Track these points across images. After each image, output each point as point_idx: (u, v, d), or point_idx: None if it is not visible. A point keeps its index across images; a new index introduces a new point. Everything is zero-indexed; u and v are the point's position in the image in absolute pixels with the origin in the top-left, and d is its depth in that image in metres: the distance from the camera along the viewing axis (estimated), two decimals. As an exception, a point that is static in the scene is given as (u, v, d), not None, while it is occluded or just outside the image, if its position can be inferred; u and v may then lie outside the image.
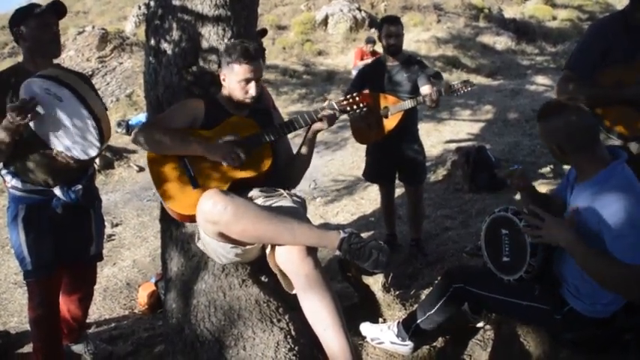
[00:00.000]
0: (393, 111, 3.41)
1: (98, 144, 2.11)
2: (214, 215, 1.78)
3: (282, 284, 1.92)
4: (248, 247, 1.92)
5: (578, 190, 1.87)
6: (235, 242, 1.90)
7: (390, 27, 3.47)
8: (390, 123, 3.44)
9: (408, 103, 3.37)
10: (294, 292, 1.87)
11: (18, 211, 2.38)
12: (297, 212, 1.97)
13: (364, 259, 1.78)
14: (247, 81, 2.11)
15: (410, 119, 3.54)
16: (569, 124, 1.77)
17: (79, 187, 2.43)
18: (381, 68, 3.55)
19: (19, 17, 2.27)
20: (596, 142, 1.81)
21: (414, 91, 3.48)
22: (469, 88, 3.42)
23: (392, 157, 3.62)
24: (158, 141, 2.06)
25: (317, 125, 2.22)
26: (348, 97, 2.32)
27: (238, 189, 2.01)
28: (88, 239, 2.62)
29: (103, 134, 2.09)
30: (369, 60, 9.91)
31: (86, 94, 2.03)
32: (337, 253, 1.82)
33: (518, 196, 4.34)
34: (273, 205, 1.99)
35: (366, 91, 3.52)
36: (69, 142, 2.16)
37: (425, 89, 3.42)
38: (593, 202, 1.74)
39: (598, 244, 1.71)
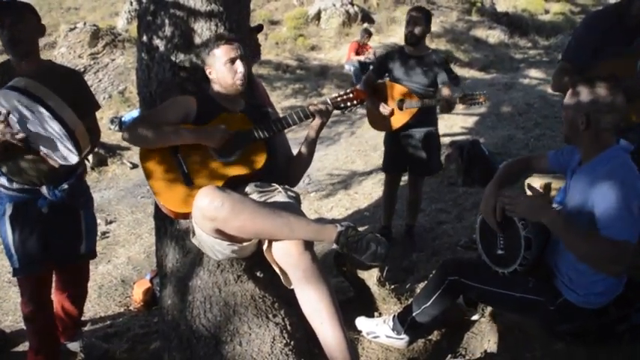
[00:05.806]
0: (408, 106, 3.40)
1: (76, 151, 2.09)
2: (211, 212, 1.77)
3: (282, 280, 1.90)
4: (245, 243, 1.90)
5: (579, 174, 1.88)
6: (232, 239, 1.88)
7: (411, 13, 3.46)
8: (403, 117, 3.42)
9: (426, 102, 3.37)
10: (292, 287, 1.86)
11: (5, 209, 2.38)
12: (293, 207, 1.96)
13: (362, 251, 1.78)
14: (232, 61, 2.10)
15: (428, 111, 3.52)
16: (617, 101, 1.76)
17: (66, 186, 2.42)
18: (401, 57, 3.53)
19: None
20: (618, 128, 1.82)
21: (432, 86, 3.48)
22: (482, 102, 3.44)
23: (406, 149, 3.60)
24: (145, 136, 2.02)
25: (314, 123, 2.21)
26: (342, 93, 2.31)
27: (233, 185, 1.99)
28: (77, 238, 2.61)
29: (79, 143, 2.06)
30: (363, 55, 9.92)
31: (56, 106, 1.99)
32: (334, 246, 1.82)
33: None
34: (269, 200, 1.98)
35: (359, 87, 3.54)
36: (49, 149, 2.16)
37: (444, 90, 3.42)
38: (590, 184, 1.76)
39: (590, 226, 1.73)
